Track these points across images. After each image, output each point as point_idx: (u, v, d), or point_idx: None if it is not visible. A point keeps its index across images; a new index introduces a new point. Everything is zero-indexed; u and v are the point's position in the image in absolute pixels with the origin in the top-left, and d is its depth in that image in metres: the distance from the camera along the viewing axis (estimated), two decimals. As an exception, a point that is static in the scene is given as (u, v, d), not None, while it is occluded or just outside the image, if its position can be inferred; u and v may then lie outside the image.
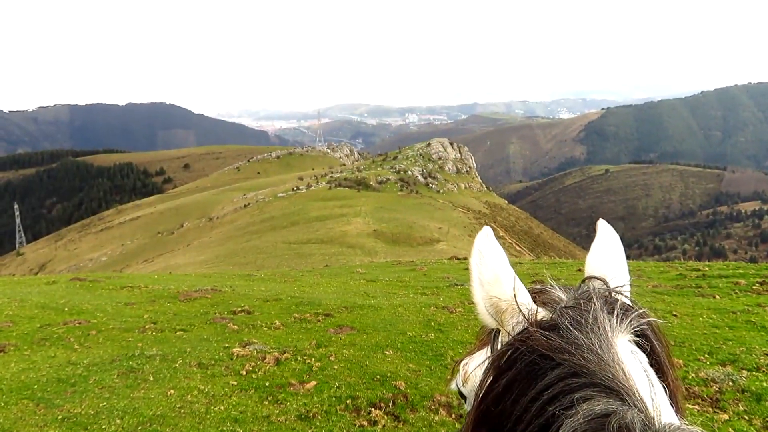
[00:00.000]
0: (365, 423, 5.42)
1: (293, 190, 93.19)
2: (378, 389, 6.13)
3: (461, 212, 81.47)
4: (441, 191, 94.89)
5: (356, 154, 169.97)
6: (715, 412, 5.19)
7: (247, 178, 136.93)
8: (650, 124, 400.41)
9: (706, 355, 6.64)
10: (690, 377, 5.94)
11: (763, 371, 6.06)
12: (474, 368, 1.21)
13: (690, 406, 5.31)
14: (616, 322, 1.00)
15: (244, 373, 6.67)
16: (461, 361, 1.29)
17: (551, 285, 1.16)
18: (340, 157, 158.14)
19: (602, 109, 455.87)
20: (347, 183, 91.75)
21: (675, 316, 8.64)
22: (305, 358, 7.19)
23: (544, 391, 0.88)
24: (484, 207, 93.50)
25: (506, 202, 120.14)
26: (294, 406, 5.78)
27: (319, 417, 5.53)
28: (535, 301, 1.10)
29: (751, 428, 4.86)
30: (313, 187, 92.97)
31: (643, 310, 1.08)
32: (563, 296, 1.10)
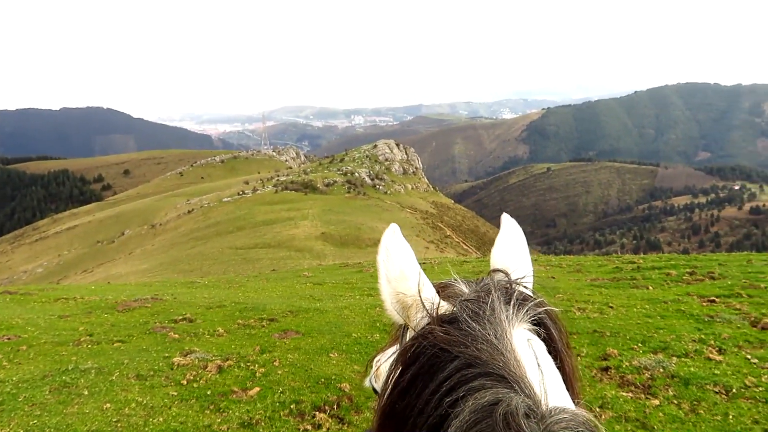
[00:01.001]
0: (309, 427, 5.37)
1: (239, 194, 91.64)
2: (323, 392, 6.09)
3: (409, 213, 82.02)
4: (388, 192, 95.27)
5: (302, 157, 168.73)
6: (647, 398, 5.39)
7: (190, 183, 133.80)
8: (588, 123, 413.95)
9: (640, 344, 6.90)
10: (624, 366, 6.15)
11: (692, 357, 6.35)
12: (385, 365, 1.23)
13: (624, 393, 5.50)
14: (513, 312, 1.03)
15: (185, 382, 6.50)
16: (374, 358, 1.30)
17: (455, 279, 1.18)
18: (287, 160, 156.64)
19: (543, 109, 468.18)
20: (294, 186, 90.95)
21: (611, 307, 8.95)
22: (249, 364, 7.07)
23: (443, 383, 0.91)
24: (431, 207, 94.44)
25: (453, 201, 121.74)
26: (236, 413, 5.67)
27: (263, 423, 5.45)
28: (439, 295, 1.12)
29: (680, 411, 5.07)
30: (259, 191, 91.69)
31: (541, 299, 1.11)
32: (466, 289, 1.13)
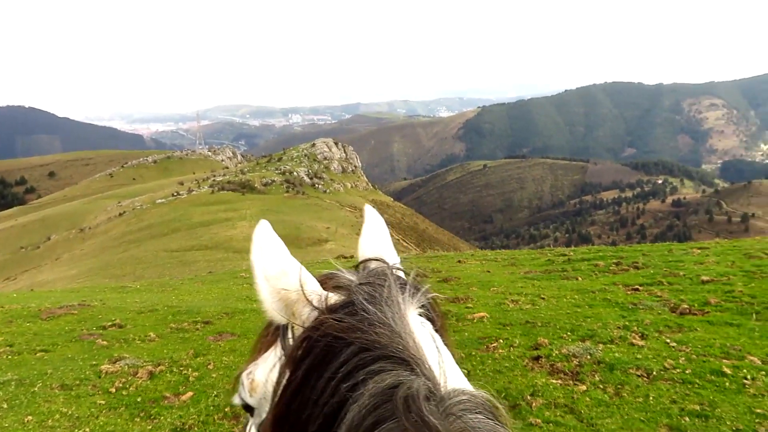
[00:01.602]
0: (245, 429, 5.28)
1: (173, 195, 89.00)
2: (259, 394, 6.00)
3: (348, 211, 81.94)
4: (327, 191, 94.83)
5: (239, 157, 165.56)
6: (575, 384, 5.60)
7: (121, 184, 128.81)
8: (522, 121, 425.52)
9: (569, 333, 7.16)
10: (554, 354, 6.36)
11: (616, 343, 6.63)
12: (264, 374, 1.16)
13: (553, 380, 5.69)
14: (409, 296, 1.04)
15: (114, 390, 6.26)
16: (244, 372, 1.22)
17: (339, 269, 1.17)
18: (223, 160, 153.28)
19: (478, 107, 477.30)
20: (231, 186, 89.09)
21: (543, 299, 9.24)
22: (182, 368, 6.89)
23: (339, 369, 0.89)
24: (371, 205, 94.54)
25: (392, 199, 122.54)
26: (168, 419, 5.51)
27: (196, 428, 5.32)
28: (325, 288, 1.10)
29: (605, 396, 5.29)
30: (194, 192, 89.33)
31: (428, 286, 1.14)
32: (354, 278, 1.12)
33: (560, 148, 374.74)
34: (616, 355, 6.18)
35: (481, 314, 8.18)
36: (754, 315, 7.31)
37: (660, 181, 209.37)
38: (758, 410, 4.77)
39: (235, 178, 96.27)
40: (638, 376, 5.66)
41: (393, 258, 1.30)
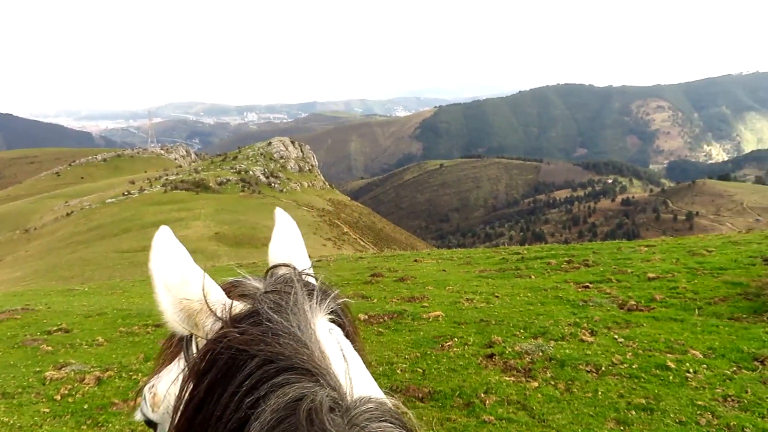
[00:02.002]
0: (197, 435, 5.18)
1: (124, 194, 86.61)
2: (211, 398, 5.89)
3: (306, 211, 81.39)
4: (284, 190, 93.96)
5: (193, 155, 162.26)
6: (527, 381, 5.70)
7: (69, 183, 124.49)
8: (478, 121, 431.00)
9: (522, 330, 7.28)
10: (507, 352, 6.47)
11: (567, 340, 6.79)
12: (166, 387, 1.10)
13: (507, 378, 5.79)
14: (316, 303, 1.03)
15: (59, 397, 6.04)
16: (146, 386, 1.16)
17: (244, 276, 1.14)
18: (176, 159, 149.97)
19: (435, 107, 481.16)
20: (184, 185, 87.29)
21: (497, 297, 9.38)
22: (131, 374, 6.70)
23: (242, 384, 0.87)
24: (328, 204, 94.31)
25: (349, 198, 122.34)
26: (117, 427, 5.35)
27: (146, 435, 5.18)
28: (230, 296, 1.06)
29: (556, 391, 5.41)
30: (146, 191, 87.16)
31: (337, 291, 1.12)
32: (259, 285, 1.09)
33: (515, 148, 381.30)
34: (567, 351, 6.32)
35: (437, 313, 8.25)
36: (696, 310, 7.60)
37: (610, 181, 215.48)
38: (699, 402, 4.96)
39: (189, 177, 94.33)
40: (588, 371, 5.81)
41: (304, 263, 1.26)
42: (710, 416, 4.74)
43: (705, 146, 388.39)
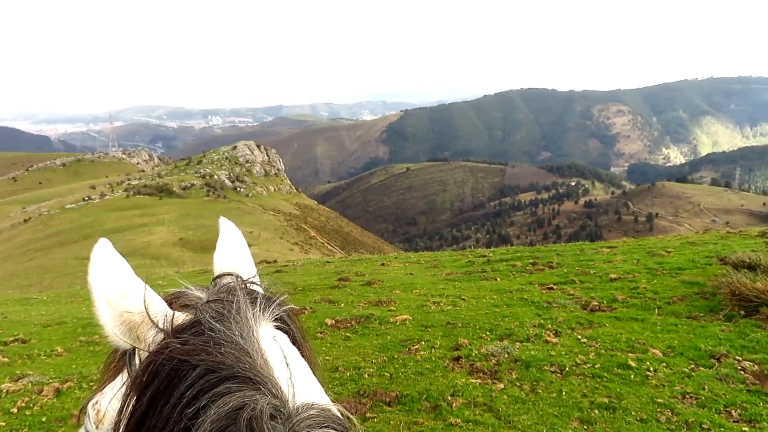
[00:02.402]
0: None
1: (84, 200, 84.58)
2: (176, 407, 5.78)
3: (272, 215, 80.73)
4: (250, 195, 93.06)
5: (156, 159, 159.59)
6: (493, 382, 5.76)
7: (26, 189, 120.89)
8: (444, 125, 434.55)
9: (488, 332, 7.36)
10: (474, 354, 6.52)
11: (532, 341, 6.89)
12: (109, 402, 1.09)
13: (473, 380, 5.83)
14: (260, 311, 1.03)
15: (16, 410, 5.85)
16: (90, 402, 1.14)
17: (187, 287, 1.14)
18: (138, 163, 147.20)
19: (401, 111, 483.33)
20: (147, 190, 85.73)
21: (463, 299, 9.45)
22: (92, 384, 6.53)
23: (184, 395, 0.86)
24: (295, 209, 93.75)
25: (316, 202, 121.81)
26: (77, 439, 5.21)
27: (107, 447, 5.05)
28: (173, 307, 1.06)
29: (522, 393, 5.48)
30: (107, 196, 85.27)
31: (282, 298, 1.13)
32: (203, 295, 1.09)
33: (480, 152, 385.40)
34: (532, 352, 6.41)
35: (404, 317, 8.27)
36: (656, 310, 7.80)
37: (573, 183, 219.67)
38: (659, 400, 5.08)
39: (152, 181, 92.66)
40: (552, 372, 5.90)
41: (250, 271, 1.26)
42: (670, 413, 4.87)
43: (664, 149, 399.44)
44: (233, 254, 1.30)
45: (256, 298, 1.06)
